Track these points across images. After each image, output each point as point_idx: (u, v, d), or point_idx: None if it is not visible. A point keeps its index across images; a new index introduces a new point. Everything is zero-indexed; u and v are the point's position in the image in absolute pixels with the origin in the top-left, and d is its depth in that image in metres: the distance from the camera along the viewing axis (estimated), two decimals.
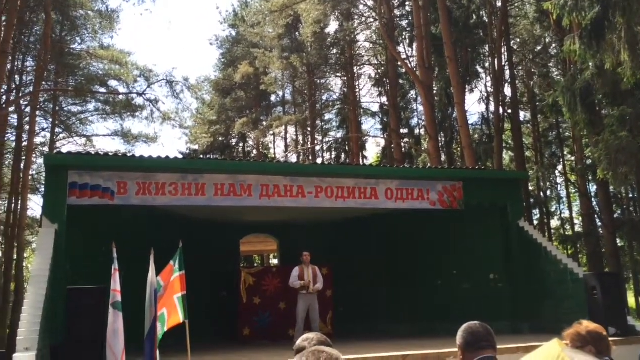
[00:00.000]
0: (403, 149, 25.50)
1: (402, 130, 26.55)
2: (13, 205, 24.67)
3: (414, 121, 29.48)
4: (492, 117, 23.49)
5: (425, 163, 22.60)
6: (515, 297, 11.21)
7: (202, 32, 71.52)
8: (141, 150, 29.47)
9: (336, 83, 31.04)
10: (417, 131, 29.13)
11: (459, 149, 24.12)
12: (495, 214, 11.74)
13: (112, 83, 27.71)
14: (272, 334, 11.18)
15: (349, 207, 10.99)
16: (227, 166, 10.89)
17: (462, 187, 11.35)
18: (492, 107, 23.41)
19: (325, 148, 31.63)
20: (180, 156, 25.66)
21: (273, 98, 33.70)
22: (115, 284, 6.79)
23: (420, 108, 26.21)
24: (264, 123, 30.57)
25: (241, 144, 34.29)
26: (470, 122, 22.23)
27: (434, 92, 22.33)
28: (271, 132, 32.11)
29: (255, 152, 33.34)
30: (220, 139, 32.54)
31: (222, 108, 31.57)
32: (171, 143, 67.48)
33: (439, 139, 22.53)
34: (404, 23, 27.51)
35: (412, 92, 28.12)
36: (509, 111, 23.09)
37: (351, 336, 10.77)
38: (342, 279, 12.36)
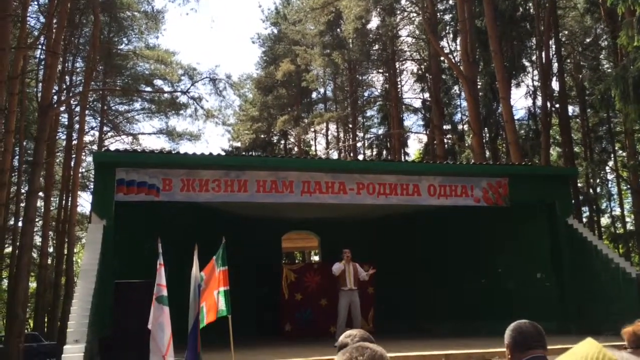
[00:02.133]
0: (446, 146, 25.11)
1: (445, 127, 26.15)
2: (64, 201, 25.59)
3: (457, 117, 29.01)
4: (539, 112, 22.83)
5: (469, 159, 22.20)
6: (563, 296, 10.87)
7: (244, 30, 72.36)
8: (185, 147, 30.15)
9: (378, 79, 30.88)
10: (460, 127, 28.65)
11: (504, 145, 23.58)
12: (543, 212, 11.40)
13: (158, 82, 28.40)
14: (314, 330, 11.20)
15: (390, 203, 10.90)
16: (268, 163, 10.97)
17: (507, 183, 11.08)
18: (539, 102, 22.77)
19: (366, 145, 31.50)
20: (223, 153, 26.05)
21: (314, 95, 33.79)
22: (161, 278, 6.92)
23: (464, 103, 25.76)
24: (305, 120, 30.67)
25: (283, 141, 34.52)
26: (516, 117, 21.72)
27: (478, 87, 21.88)
28: (312, 129, 32.19)
29: (296, 149, 33.50)
30: (262, 136, 32.84)
31: (264, 105, 31.84)
32: (214, 140, 68.68)
33: (483, 134, 22.07)
34: (447, 17, 27.06)
35: (456, 88, 27.64)
36: (557, 105, 22.38)
37: (393, 334, 10.68)
38: (384, 277, 12.27)
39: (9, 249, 25.75)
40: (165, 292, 6.78)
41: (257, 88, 33.05)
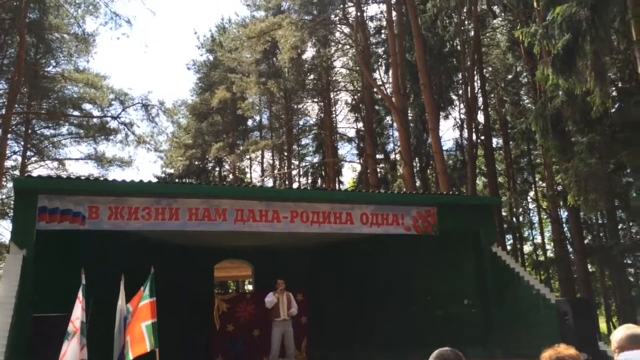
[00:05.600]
0: (379, 174, 25.67)
1: (377, 156, 26.78)
2: None
3: (390, 146, 29.80)
4: (465, 144, 23.86)
5: (400, 188, 22.77)
6: (488, 322, 11.24)
7: (179, 56, 71.60)
8: (115, 174, 29.16)
9: (313, 108, 31.31)
10: (392, 156, 29.43)
11: (433, 174, 24.39)
12: (469, 240, 11.84)
13: (87, 106, 27.49)
14: None
15: (324, 232, 10.97)
16: (201, 190, 10.80)
17: (436, 212, 11.45)
18: (465, 134, 23.81)
19: (301, 173, 31.69)
20: (155, 180, 25.41)
21: (250, 122, 33.80)
22: (76, 312, 6.64)
23: (396, 134, 26.50)
24: (241, 147, 30.54)
25: (217, 168, 34.15)
26: (444, 148, 22.60)
27: (409, 118, 22.65)
28: (247, 157, 32.08)
29: (231, 176, 33.21)
30: (196, 162, 32.38)
31: (199, 132, 31.49)
32: (146, 167, 66.85)
33: (414, 164, 22.79)
34: (380, 50, 28.00)
35: (388, 118, 28.47)
36: (482, 138, 23.51)
37: None
38: (317, 306, 12.26)
39: None
40: (72, 327, 6.50)
41: (191, 114, 32.68)
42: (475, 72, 22.37)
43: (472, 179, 21.34)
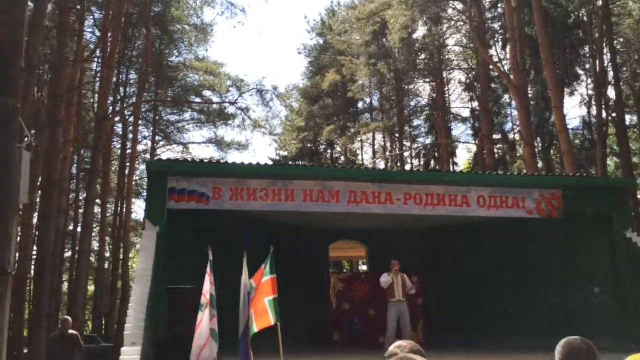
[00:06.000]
0: (496, 155, 24.61)
1: (494, 136, 25.66)
2: (119, 208, 26.46)
3: (508, 126, 28.41)
4: (594, 121, 22.12)
5: (520, 170, 21.68)
6: (621, 313, 10.42)
7: (290, 41, 73.18)
8: (234, 156, 30.62)
9: (424, 88, 30.63)
10: (511, 136, 28.04)
11: (557, 155, 22.92)
12: (599, 224, 11.01)
13: (206, 93, 29.09)
14: (362, 340, 11.13)
15: (438, 214, 10.76)
16: (315, 172, 11.02)
17: (561, 195, 10.76)
18: (594, 111, 22.07)
19: (413, 154, 31.24)
20: (270, 162, 26.35)
21: (360, 105, 33.81)
22: (205, 285, 7.09)
23: (514, 112, 25.22)
24: (352, 129, 30.69)
25: (329, 150, 34.63)
26: (569, 126, 21.12)
27: (529, 95, 21.38)
28: (358, 139, 32.18)
29: (343, 158, 33.55)
30: (309, 145, 33.04)
31: (310, 115, 32.06)
32: (262, 149, 69.41)
33: (535, 144, 21.53)
34: (496, 25, 26.63)
35: (505, 96, 27.10)
36: (613, 114, 21.63)
37: (443, 347, 10.50)
38: (433, 288, 12.10)
39: (68, 254, 26.77)
40: (204, 300, 6.93)
41: (303, 98, 33.34)
42: (604, 44, 20.57)
43: (602, 159, 19.77)
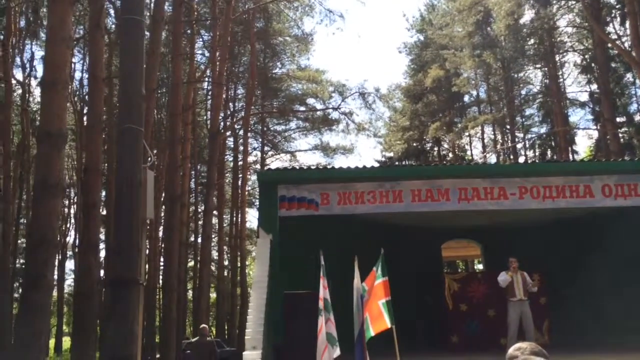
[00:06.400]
0: (621, 140, 22.65)
1: (618, 119, 23.63)
2: (234, 218, 27.82)
3: (633, 107, 26.00)
4: None
5: None
6: None
7: (390, 41, 72.74)
8: (340, 161, 31.05)
9: (536, 75, 29.00)
10: (637, 118, 25.65)
11: None
12: None
13: (310, 101, 29.76)
14: (483, 343, 10.71)
15: (558, 207, 10.11)
16: (422, 172, 10.84)
17: None
18: None
19: (527, 145, 29.70)
20: (377, 165, 26.30)
21: (466, 98, 32.78)
22: (320, 291, 7.20)
23: None
24: (459, 125, 29.83)
25: (436, 148, 33.91)
26: None
27: None
28: (467, 134, 31.20)
29: (451, 155, 32.69)
30: (415, 144, 32.59)
31: (414, 114, 31.62)
32: (367, 152, 69.70)
33: None
34: (612, 0, 24.54)
35: (629, 75, 24.87)
36: None
37: (571, 348, 9.81)
38: (555, 287, 11.36)
39: (191, 263, 28.61)
40: (321, 305, 7.03)
41: (406, 97, 32.97)
42: None
43: None
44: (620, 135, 22.91)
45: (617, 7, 23.71)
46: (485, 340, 10.71)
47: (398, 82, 37.08)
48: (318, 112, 28.89)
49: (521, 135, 30.09)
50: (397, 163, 30.49)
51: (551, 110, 26.90)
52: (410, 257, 12.59)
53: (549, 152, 27.94)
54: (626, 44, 21.16)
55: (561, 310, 11.56)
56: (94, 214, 10.25)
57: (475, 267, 27.06)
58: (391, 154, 33.67)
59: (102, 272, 14.40)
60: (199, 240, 24.46)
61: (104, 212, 15.80)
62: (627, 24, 20.69)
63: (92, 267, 9.91)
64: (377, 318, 7.16)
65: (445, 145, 33.53)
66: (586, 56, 26.21)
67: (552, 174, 10.18)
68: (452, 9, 28.94)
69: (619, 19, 24.16)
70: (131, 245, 4.96)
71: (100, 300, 13.98)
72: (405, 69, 35.57)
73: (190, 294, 28.12)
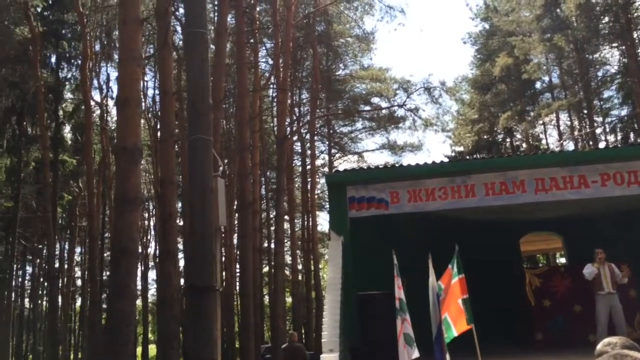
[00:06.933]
0: None
1: None
2: (306, 222, 28.10)
3: None
4: None
5: None
6: None
7: (454, 32, 71.18)
8: (408, 159, 30.63)
9: (613, 55, 27.41)
10: None
11: None
12: None
13: (375, 100, 29.57)
14: (569, 339, 10.20)
15: None
16: (494, 164, 10.49)
17: None
18: None
19: (607, 130, 28.12)
20: (446, 160, 25.76)
21: (538, 85, 31.48)
22: (395, 291, 7.10)
23: None
24: (532, 113, 28.73)
25: (508, 139, 32.80)
26: None
27: None
28: (540, 122, 29.97)
29: (524, 145, 31.48)
30: (485, 136, 31.69)
31: (483, 105, 30.76)
32: (436, 148, 68.45)
33: None
34: None
35: None
36: None
37: None
38: None
39: (266, 269, 29.18)
40: (397, 305, 6.93)
41: (473, 88, 32.13)
42: None
43: None
44: None
45: None
46: (572, 336, 10.21)
47: (464, 73, 36.24)
48: (383, 111, 28.68)
49: (600, 119, 28.53)
50: (467, 157, 29.75)
51: (632, 90, 25.30)
52: (487, 252, 12.20)
53: (631, 135, 26.32)
54: None
55: None
56: (171, 225, 10.66)
57: (557, 260, 25.89)
58: (461, 148, 32.88)
59: (182, 281, 14.97)
60: (272, 245, 24.88)
61: (181, 223, 16.40)
62: None
63: (172, 276, 10.31)
64: (458, 317, 6.99)
65: (518, 136, 32.35)
66: None
67: (637, 157, 9.56)
68: None
69: None
70: (205, 253, 5.08)
71: (182, 308, 14.50)
72: (471, 59, 34.65)
73: (266, 299, 28.67)
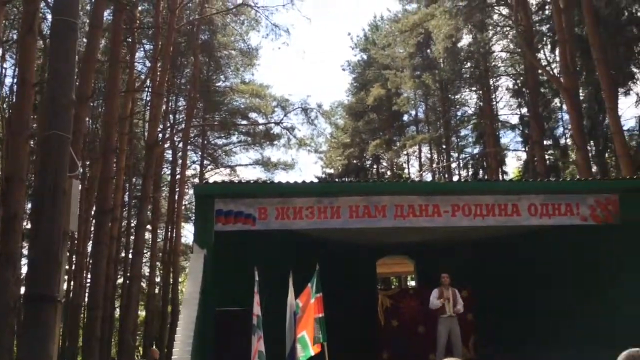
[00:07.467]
0: (548, 162, 23.78)
1: (545, 142, 24.81)
2: (170, 233, 27.08)
3: (559, 131, 27.41)
4: None
5: (573, 175, 20.86)
6: None
7: (334, 59, 73.73)
8: (280, 177, 30.96)
9: (471, 97, 30.09)
10: (563, 141, 27.06)
11: (613, 158, 21.91)
12: None
13: (253, 115, 29.60)
14: (412, 358, 10.85)
15: (488, 225, 10.43)
16: (360, 188, 10.91)
17: (617, 199, 10.23)
18: None
19: (461, 165, 30.64)
20: (316, 180, 26.41)
21: (406, 118, 33.56)
22: (255, 307, 7.09)
23: (566, 117, 24.33)
24: (398, 143, 30.46)
25: (375, 166, 34.46)
26: (625, 128, 20.10)
27: (581, 98, 20.61)
28: (405, 152, 31.91)
29: (389, 172, 33.28)
30: (355, 161, 32.99)
31: (356, 131, 32.06)
32: (308, 168, 69.95)
33: (589, 148, 20.68)
34: (544, 28, 25.89)
35: (556, 100, 26.22)
36: None
37: None
38: (483, 302, 11.68)
39: (120, 280, 27.54)
40: (255, 321, 6.92)
41: (348, 114, 33.41)
42: None
43: None
44: (547, 157, 24.04)
45: (549, 34, 25.02)
46: (414, 356, 10.86)
47: (341, 99, 37.54)
48: (260, 127, 28.79)
49: (456, 154, 31.06)
50: (337, 179, 30.76)
51: (484, 131, 27.93)
52: (346, 273, 12.62)
53: (481, 172, 28.95)
54: (555, 71, 22.32)
55: (488, 327, 11.89)
56: (14, 226, 9.71)
57: (408, 283, 27.51)
58: (332, 170, 33.94)
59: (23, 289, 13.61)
60: (130, 256, 23.63)
61: (29, 225, 15.02)
62: (557, 52, 21.86)
63: (9, 283, 9.36)
64: (313, 336, 7.13)
65: (384, 163, 34.12)
66: (518, 81, 27.46)
67: (483, 192, 10.48)
68: (395, 30, 29.70)
69: (549, 46, 25.48)
70: (49, 259, 4.70)
71: (20, 318, 13.22)
72: (348, 86, 36.09)
73: (117, 312, 27.03)
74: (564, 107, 22.50)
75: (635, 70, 22.73)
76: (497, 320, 12.16)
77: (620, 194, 10.29)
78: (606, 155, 23.18)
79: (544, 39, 25.55)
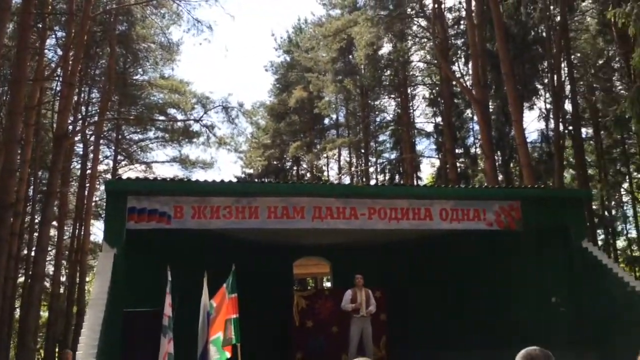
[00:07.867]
0: (458, 169, 24.98)
1: (457, 150, 26.06)
2: (77, 230, 25.73)
3: (470, 140, 28.89)
4: (552, 135, 22.67)
5: (481, 183, 22.04)
6: (579, 322, 10.58)
7: (257, 58, 73.37)
8: (198, 175, 30.30)
9: (390, 104, 31.03)
10: (473, 151, 28.53)
11: (517, 168, 23.39)
12: (557, 235, 11.20)
13: (171, 111, 28.78)
14: (325, 358, 11.02)
15: (402, 228, 10.78)
16: (279, 189, 10.93)
17: (520, 206, 10.93)
18: (552, 124, 22.61)
19: (378, 169, 31.50)
20: (235, 180, 26.13)
21: (327, 121, 34.00)
22: (165, 308, 6.92)
23: (476, 127, 25.66)
24: (318, 146, 30.80)
25: (295, 168, 34.64)
26: (529, 140, 21.53)
27: (491, 110, 21.84)
28: (325, 155, 32.31)
29: (309, 175, 33.57)
30: (275, 162, 33.02)
31: (277, 132, 32.09)
32: (227, 168, 69.12)
33: (496, 158, 21.95)
34: (459, 42, 27.20)
35: (468, 111, 27.62)
36: (570, 128, 22.23)
37: None
38: (396, 303, 12.08)
39: (22, 279, 25.85)
40: (166, 322, 6.76)
41: (269, 115, 33.37)
42: (562, 59, 21.19)
43: (559, 172, 20.24)
44: (458, 165, 25.25)
45: (463, 48, 26.30)
46: (328, 356, 11.03)
47: (263, 99, 37.48)
48: (179, 123, 28.04)
49: (374, 159, 31.88)
50: (256, 180, 30.62)
51: (401, 138, 28.89)
52: (263, 273, 12.59)
53: (397, 177, 29.89)
54: (468, 83, 23.49)
55: (400, 326, 12.31)
56: None
57: (324, 284, 27.89)
58: (251, 171, 33.76)
59: None
60: (33, 253, 22.25)
61: None
62: (470, 65, 23.02)
63: None
64: (228, 336, 7.06)
65: (304, 165, 34.41)
66: (434, 91, 28.64)
67: (399, 196, 10.82)
68: (318, 34, 30.03)
69: (463, 59, 26.80)
70: None
71: None
72: (270, 87, 36.14)
73: (17, 313, 25.34)
74: (475, 118, 23.71)
75: (538, 86, 24.43)
76: (409, 321, 12.61)
77: (522, 202, 10.99)
78: (511, 164, 24.71)
79: (459, 52, 26.86)
